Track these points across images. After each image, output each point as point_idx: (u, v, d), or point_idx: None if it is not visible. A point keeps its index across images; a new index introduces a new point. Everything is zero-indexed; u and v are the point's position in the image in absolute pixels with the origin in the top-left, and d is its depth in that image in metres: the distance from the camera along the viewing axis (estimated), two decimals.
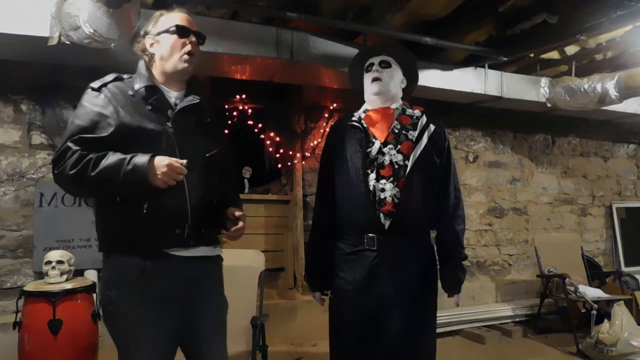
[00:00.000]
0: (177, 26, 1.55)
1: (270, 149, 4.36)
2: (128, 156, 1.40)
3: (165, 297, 1.47)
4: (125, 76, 1.58)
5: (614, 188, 5.79)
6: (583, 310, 4.26)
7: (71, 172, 1.40)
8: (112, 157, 1.40)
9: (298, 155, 4.16)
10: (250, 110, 4.09)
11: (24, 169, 3.33)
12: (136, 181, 1.38)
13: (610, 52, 4.03)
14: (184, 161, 1.43)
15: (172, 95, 1.59)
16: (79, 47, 2.56)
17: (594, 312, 3.84)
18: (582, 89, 3.98)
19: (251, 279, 2.73)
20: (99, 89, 1.50)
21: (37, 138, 3.38)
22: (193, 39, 1.57)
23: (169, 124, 1.51)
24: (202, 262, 1.57)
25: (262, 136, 4.28)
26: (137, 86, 1.52)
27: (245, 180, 4.27)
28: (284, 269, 4.20)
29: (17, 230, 3.30)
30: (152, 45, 1.58)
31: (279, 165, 4.34)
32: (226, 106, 4.00)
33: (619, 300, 3.83)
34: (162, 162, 1.40)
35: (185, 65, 1.55)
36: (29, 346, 2.53)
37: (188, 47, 1.55)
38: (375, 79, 1.92)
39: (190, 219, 1.49)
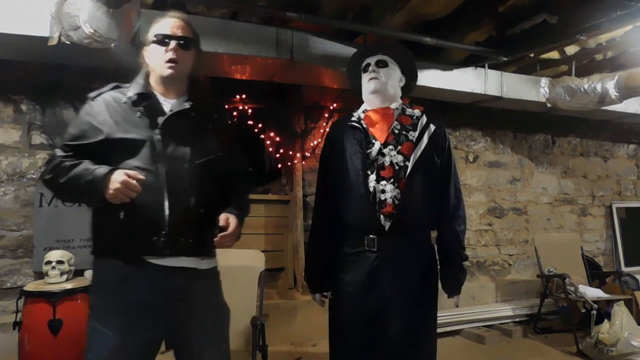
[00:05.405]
0: (157, 35, 1.57)
1: (270, 149, 4.36)
2: (94, 167, 1.43)
3: (142, 306, 1.47)
4: (125, 85, 1.61)
5: (614, 188, 5.79)
6: (583, 310, 4.25)
7: (46, 178, 1.50)
8: (82, 166, 1.45)
9: (298, 155, 4.15)
10: (250, 110, 4.08)
11: (24, 169, 3.33)
12: (94, 193, 1.42)
13: (610, 52, 4.03)
14: (142, 177, 1.41)
15: (169, 102, 1.60)
16: (79, 47, 2.55)
17: (594, 312, 3.84)
18: (582, 89, 3.97)
19: (251, 279, 2.73)
20: (94, 99, 1.57)
21: (37, 138, 3.37)
22: (174, 45, 1.55)
23: (157, 131, 1.53)
24: (186, 273, 1.52)
25: (262, 136, 4.28)
26: (129, 94, 1.56)
27: None
28: (284, 269, 4.20)
29: (17, 230, 3.30)
30: (146, 55, 1.62)
31: (279, 165, 4.34)
32: (226, 106, 4.00)
33: (619, 300, 3.82)
34: (117, 177, 1.39)
35: (170, 72, 1.56)
36: (29, 346, 2.53)
37: (169, 55, 1.55)
38: (372, 79, 1.92)
39: (167, 227, 1.47)
